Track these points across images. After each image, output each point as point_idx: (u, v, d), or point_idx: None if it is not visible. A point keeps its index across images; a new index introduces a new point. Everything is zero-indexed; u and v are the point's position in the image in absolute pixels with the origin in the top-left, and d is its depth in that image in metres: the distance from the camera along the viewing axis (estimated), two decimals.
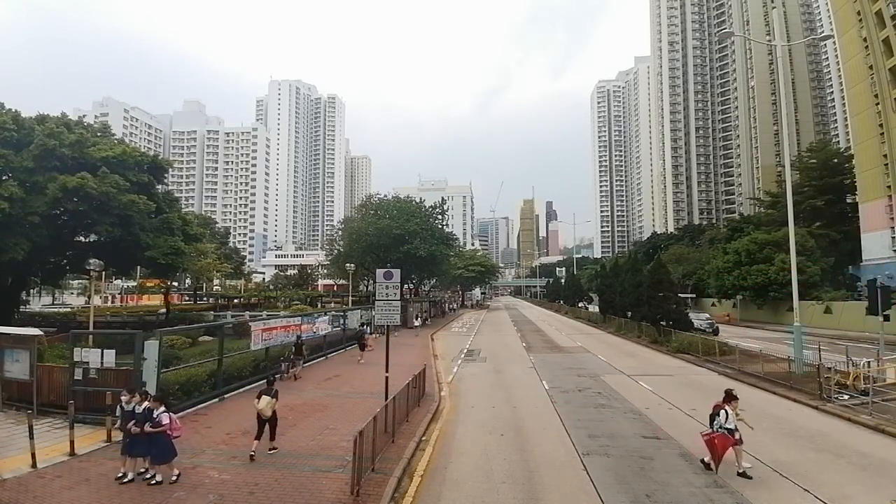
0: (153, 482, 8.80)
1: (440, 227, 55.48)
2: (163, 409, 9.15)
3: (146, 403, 9.28)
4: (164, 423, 8.93)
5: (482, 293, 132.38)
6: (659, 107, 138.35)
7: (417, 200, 57.22)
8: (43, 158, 25.82)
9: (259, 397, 10.44)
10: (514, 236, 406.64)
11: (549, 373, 21.23)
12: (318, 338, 25.03)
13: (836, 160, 61.56)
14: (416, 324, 43.02)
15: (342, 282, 65.81)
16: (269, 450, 10.52)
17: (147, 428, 8.94)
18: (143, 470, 9.10)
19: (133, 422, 9.05)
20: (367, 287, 66.99)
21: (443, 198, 61.45)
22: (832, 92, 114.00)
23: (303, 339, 21.36)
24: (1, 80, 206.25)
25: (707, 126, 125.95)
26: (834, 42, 69.48)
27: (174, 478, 8.95)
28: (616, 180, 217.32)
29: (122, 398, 9.62)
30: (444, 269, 60.80)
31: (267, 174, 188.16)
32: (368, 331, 30.42)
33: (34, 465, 9.41)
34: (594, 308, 54.74)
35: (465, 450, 11.25)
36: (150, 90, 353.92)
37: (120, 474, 9.03)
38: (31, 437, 9.57)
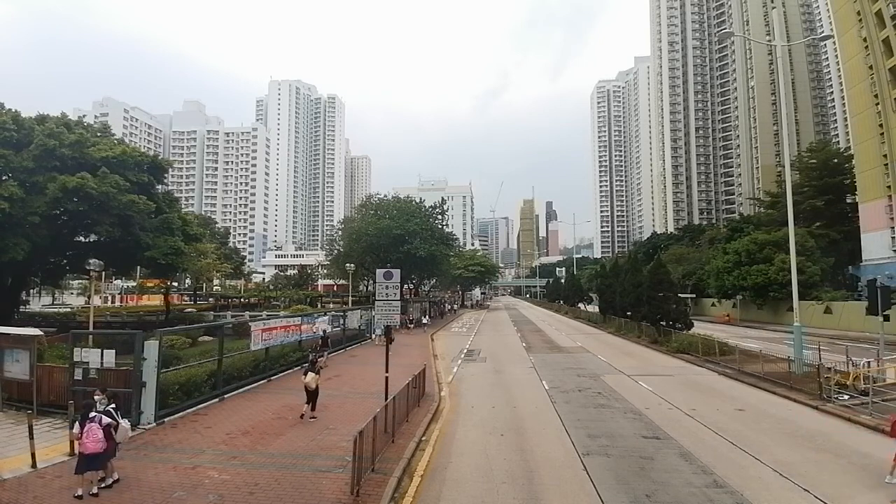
0: (79, 493, 8.22)
1: (440, 227, 55.54)
2: (79, 417, 8.51)
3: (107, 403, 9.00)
4: (74, 431, 8.37)
5: (482, 293, 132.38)
6: (659, 107, 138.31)
7: (417, 200, 57.24)
8: (43, 158, 25.87)
9: (305, 374, 13.09)
10: (514, 236, 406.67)
11: (549, 373, 21.23)
12: (319, 337, 25.25)
13: (836, 160, 61.54)
14: (425, 321, 43.14)
15: (342, 282, 65.85)
16: (311, 418, 12.85)
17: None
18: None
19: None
20: (367, 287, 67.01)
21: (443, 198, 61.45)
22: (832, 92, 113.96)
23: (328, 332, 24.16)
24: (1, 80, 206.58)
25: (707, 126, 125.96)
26: (834, 42, 69.45)
27: (76, 494, 8.15)
28: (616, 180, 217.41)
29: (96, 397, 9.51)
30: (444, 270, 60.83)
31: (267, 174, 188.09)
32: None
33: (34, 465, 9.40)
34: (594, 308, 54.73)
35: (465, 450, 11.25)
36: (150, 90, 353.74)
37: (116, 476, 8.98)
38: (31, 437, 9.56)
